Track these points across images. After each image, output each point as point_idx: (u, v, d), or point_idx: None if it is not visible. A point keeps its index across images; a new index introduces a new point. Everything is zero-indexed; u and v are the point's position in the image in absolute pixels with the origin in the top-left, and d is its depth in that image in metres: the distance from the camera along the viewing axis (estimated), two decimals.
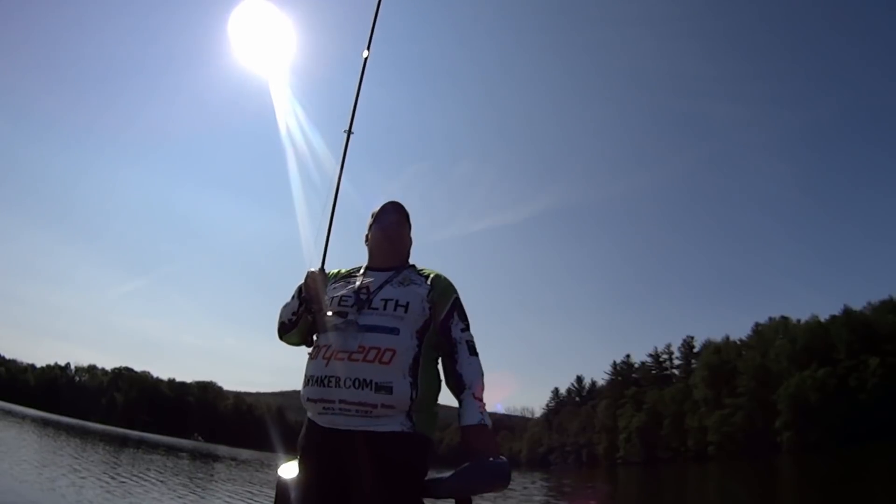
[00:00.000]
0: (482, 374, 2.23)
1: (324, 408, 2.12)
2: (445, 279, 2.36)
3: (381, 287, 2.30)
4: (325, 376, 2.12)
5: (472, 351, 2.25)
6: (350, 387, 2.06)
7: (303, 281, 2.40)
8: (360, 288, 2.31)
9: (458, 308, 2.30)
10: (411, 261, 2.49)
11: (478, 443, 2.08)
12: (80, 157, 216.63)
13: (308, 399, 2.18)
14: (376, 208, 2.52)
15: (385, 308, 2.22)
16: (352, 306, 2.25)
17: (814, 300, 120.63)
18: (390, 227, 2.45)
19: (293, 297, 2.43)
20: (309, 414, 2.23)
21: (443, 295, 2.29)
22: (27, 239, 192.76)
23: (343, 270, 2.50)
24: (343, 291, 2.33)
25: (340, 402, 2.07)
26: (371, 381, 2.06)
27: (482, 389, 2.20)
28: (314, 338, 2.34)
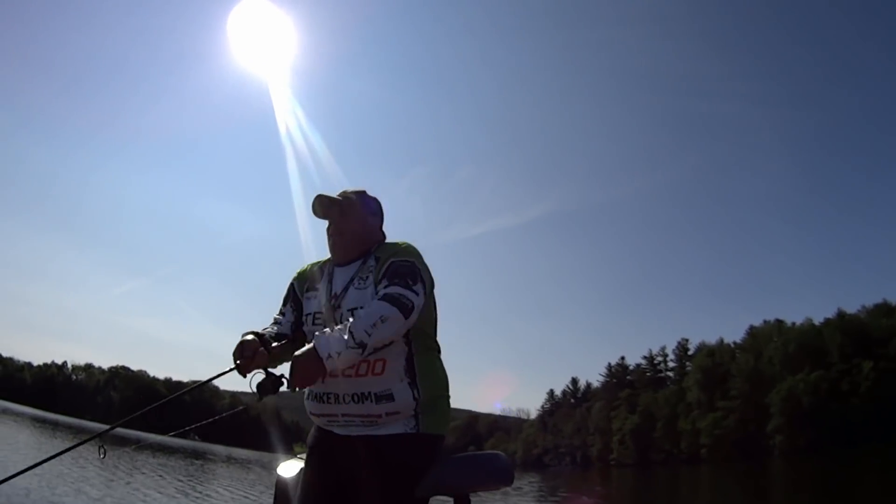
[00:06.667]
0: (380, 316, 1.85)
1: (328, 421, 2.11)
2: (392, 248, 2.18)
3: (345, 290, 2.14)
4: (324, 392, 2.07)
5: (387, 298, 1.91)
6: (350, 402, 2.03)
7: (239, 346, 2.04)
8: (329, 297, 2.17)
9: (392, 270, 2.05)
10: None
11: (297, 364, 1.84)
12: (74, 153, 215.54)
13: (311, 413, 2.16)
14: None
15: None
16: (325, 324, 2.10)
17: (816, 301, 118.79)
18: (327, 227, 2.26)
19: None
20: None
21: (383, 267, 2.10)
22: (27, 240, 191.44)
23: (310, 267, 2.35)
24: (314, 308, 2.22)
25: (343, 415, 2.05)
26: (370, 393, 2.01)
27: (365, 327, 1.84)
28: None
